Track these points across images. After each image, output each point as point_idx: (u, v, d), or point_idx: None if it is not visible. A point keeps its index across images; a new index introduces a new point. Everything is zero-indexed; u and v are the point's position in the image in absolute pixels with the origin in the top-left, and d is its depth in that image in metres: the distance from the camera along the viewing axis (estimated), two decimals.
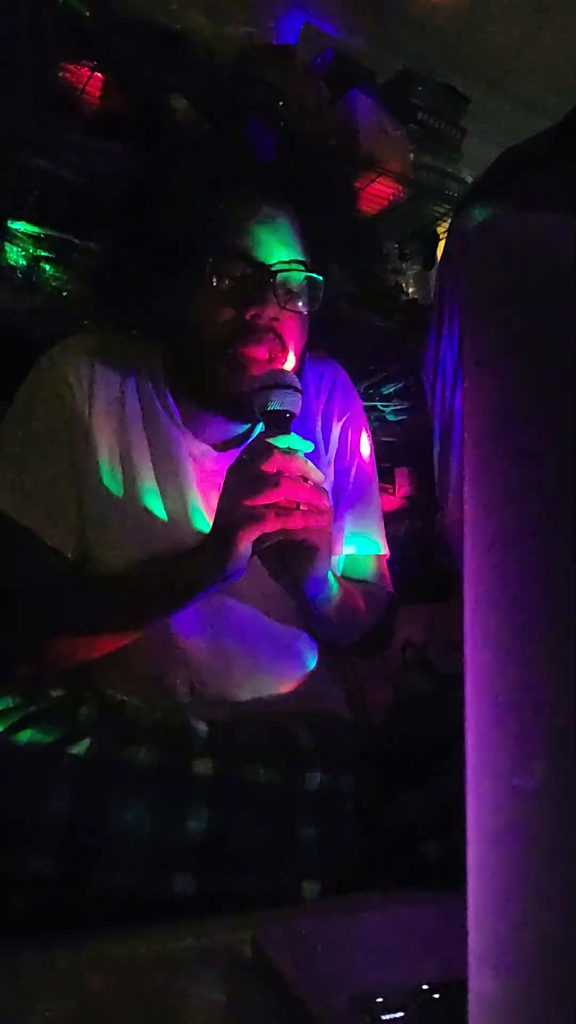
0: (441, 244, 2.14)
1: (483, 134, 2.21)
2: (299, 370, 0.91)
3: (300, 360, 0.91)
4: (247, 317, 0.85)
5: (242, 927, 0.52)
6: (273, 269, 0.86)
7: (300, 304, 0.89)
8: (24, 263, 1.49)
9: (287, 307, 0.87)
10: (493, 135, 2.11)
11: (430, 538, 1.72)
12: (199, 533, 0.88)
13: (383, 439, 1.91)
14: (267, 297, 0.85)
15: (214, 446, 0.95)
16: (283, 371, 0.84)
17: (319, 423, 1.04)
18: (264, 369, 0.85)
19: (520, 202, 1.45)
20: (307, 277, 0.89)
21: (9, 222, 1.46)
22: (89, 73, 1.62)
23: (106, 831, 0.61)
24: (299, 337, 0.90)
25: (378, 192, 2.06)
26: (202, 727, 0.71)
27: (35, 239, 1.50)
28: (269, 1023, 0.44)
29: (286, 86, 1.81)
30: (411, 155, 2.06)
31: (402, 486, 1.92)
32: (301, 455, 0.78)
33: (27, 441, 0.89)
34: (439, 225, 2.16)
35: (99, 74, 1.63)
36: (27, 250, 1.49)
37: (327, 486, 1.01)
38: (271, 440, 0.77)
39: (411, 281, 2.21)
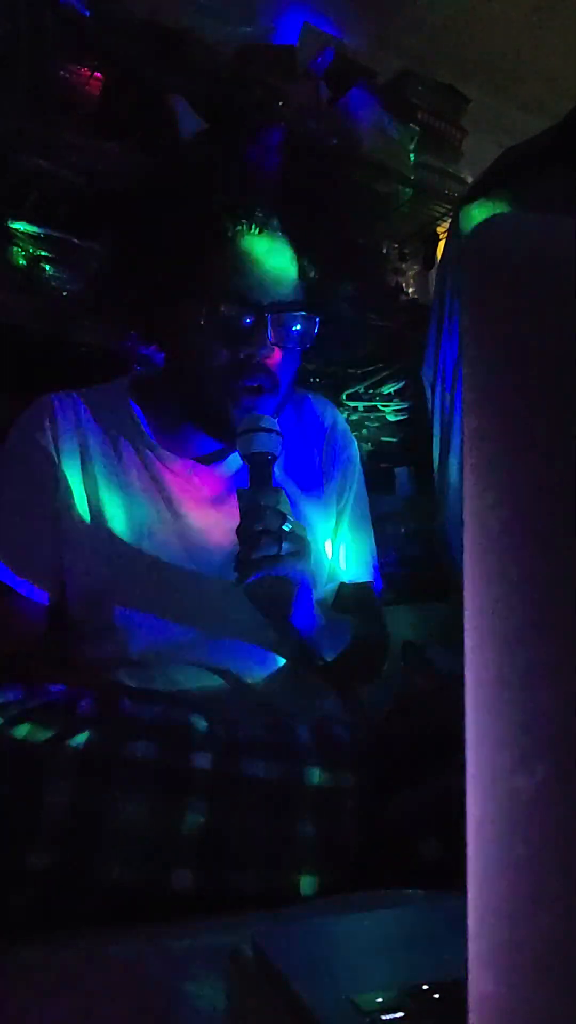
0: (441, 244, 2.14)
1: (483, 134, 2.21)
2: (287, 395, 0.95)
3: (290, 386, 0.95)
4: (240, 356, 0.89)
5: (242, 927, 0.52)
6: (268, 312, 0.88)
7: (294, 342, 0.91)
8: (24, 263, 1.49)
9: (280, 345, 0.90)
10: (493, 135, 2.11)
11: (430, 538, 1.72)
12: (185, 546, 0.94)
13: (383, 439, 1.91)
14: (261, 338, 0.88)
15: (197, 459, 0.99)
16: (263, 415, 0.89)
17: (324, 459, 1.09)
18: (254, 397, 0.90)
19: (520, 202, 1.45)
20: (302, 315, 0.91)
21: (9, 222, 1.46)
22: (89, 73, 1.62)
23: (104, 825, 0.61)
24: (291, 368, 0.94)
25: (378, 192, 2.05)
26: (201, 721, 0.71)
27: (35, 239, 1.49)
28: (269, 1023, 0.44)
29: (286, 86, 1.81)
30: (411, 155, 2.06)
31: (402, 486, 1.92)
32: (281, 495, 0.85)
33: (3, 492, 0.96)
34: (439, 225, 2.16)
35: (99, 74, 1.63)
36: (27, 250, 1.49)
37: (328, 518, 1.06)
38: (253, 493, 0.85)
39: (411, 281, 2.20)
